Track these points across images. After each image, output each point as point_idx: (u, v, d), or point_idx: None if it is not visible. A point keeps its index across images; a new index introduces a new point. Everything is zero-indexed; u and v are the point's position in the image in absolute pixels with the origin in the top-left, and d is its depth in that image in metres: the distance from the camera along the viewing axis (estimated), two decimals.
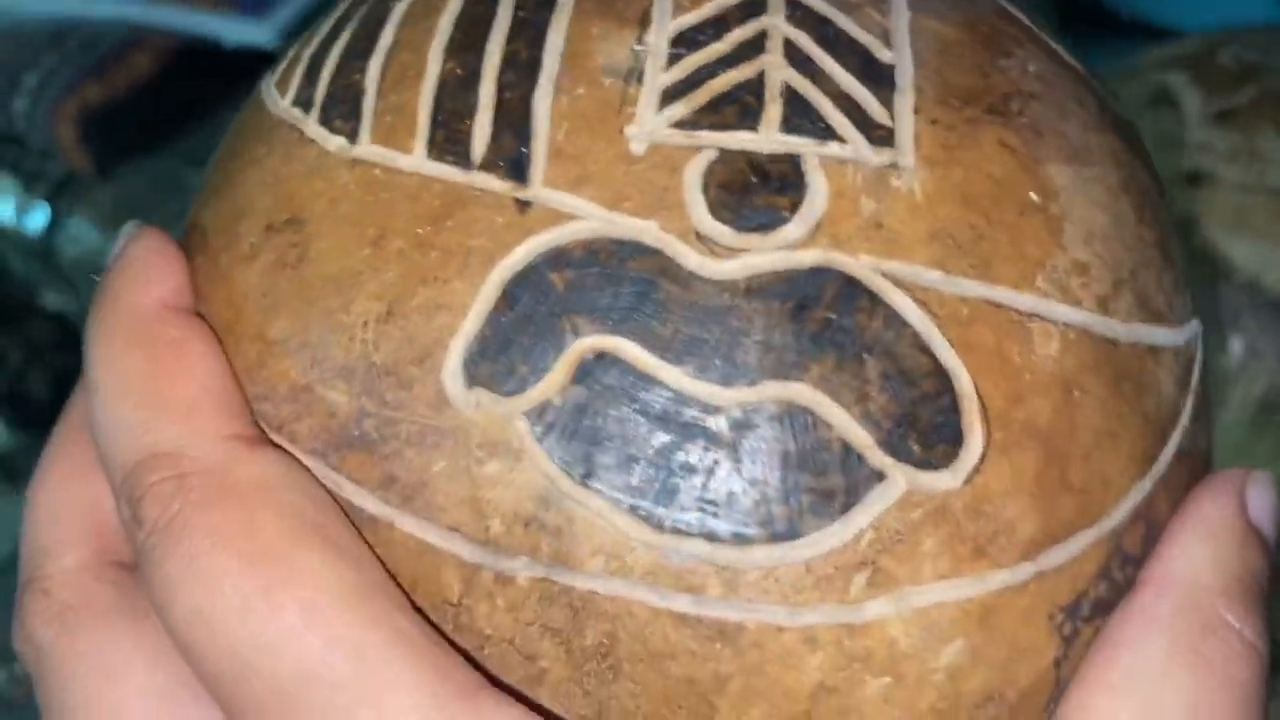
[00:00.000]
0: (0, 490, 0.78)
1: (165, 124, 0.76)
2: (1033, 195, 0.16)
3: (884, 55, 0.16)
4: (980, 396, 0.15)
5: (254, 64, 0.78)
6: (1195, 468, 0.18)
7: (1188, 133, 0.43)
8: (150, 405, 0.16)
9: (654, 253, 0.15)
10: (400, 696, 0.14)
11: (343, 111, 0.17)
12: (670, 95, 0.16)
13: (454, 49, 0.17)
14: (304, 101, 0.18)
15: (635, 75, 0.16)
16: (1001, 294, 0.15)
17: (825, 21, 0.16)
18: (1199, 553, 0.17)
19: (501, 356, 0.15)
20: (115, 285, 0.18)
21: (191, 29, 0.73)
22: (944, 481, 0.15)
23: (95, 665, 0.16)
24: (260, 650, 0.15)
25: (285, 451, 0.16)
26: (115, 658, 0.16)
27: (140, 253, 0.18)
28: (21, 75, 0.73)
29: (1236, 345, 0.41)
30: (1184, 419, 0.17)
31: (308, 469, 0.16)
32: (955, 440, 0.15)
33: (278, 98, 0.18)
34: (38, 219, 0.76)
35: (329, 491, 0.16)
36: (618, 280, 0.15)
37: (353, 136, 0.17)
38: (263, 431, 0.17)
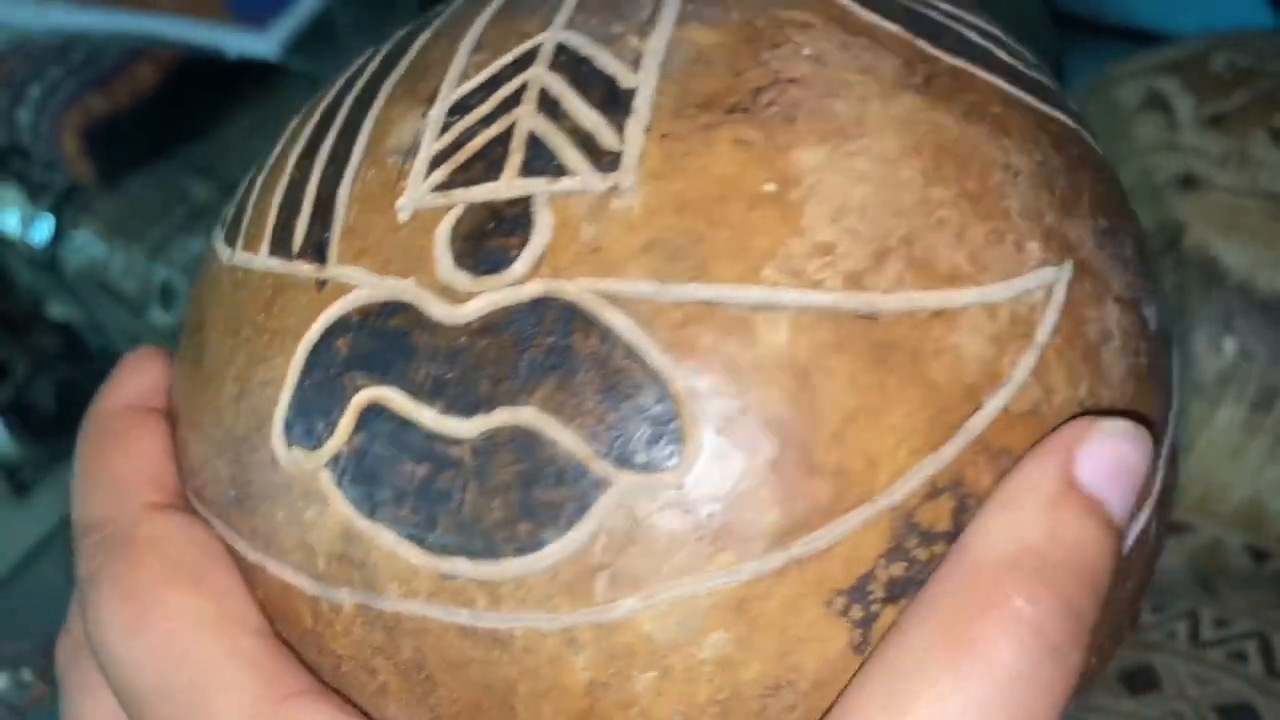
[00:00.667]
0: (6, 500, 0.78)
1: (168, 135, 0.76)
2: (767, 186, 0.16)
3: (628, 81, 0.17)
4: (700, 396, 0.16)
5: (256, 75, 0.79)
6: (1051, 425, 0.17)
7: (1180, 137, 0.43)
8: (91, 485, 0.20)
9: (408, 308, 0.17)
10: (228, 698, 0.17)
11: (232, 226, 0.20)
12: (435, 162, 0.17)
13: (303, 154, 0.19)
14: (221, 220, 0.21)
15: (413, 151, 0.17)
16: (719, 292, 0.16)
17: (582, 61, 0.17)
18: (994, 523, 0.16)
19: (306, 418, 0.17)
20: (99, 394, 0.22)
21: (194, 41, 0.74)
22: (668, 481, 0.16)
23: (81, 690, 0.20)
24: (135, 669, 0.18)
25: (194, 514, 0.19)
26: (90, 693, 0.20)
27: (123, 364, 0.22)
28: (26, 87, 0.74)
29: (1229, 347, 0.41)
30: (1017, 375, 0.16)
31: (209, 526, 0.19)
32: (676, 441, 0.16)
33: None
34: (42, 230, 0.77)
35: (225, 543, 0.19)
36: (381, 337, 0.17)
37: (232, 245, 0.19)
38: (186, 499, 0.20)
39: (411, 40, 0.19)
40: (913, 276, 0.16)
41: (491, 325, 0.16)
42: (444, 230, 0.17)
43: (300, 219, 0.18)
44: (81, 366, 0.86)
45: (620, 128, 0.17)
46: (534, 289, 0.16)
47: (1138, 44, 0.51)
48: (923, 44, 0.18)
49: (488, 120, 0.17)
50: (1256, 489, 0.43)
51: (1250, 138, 0.42)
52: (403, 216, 0.17)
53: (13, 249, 0.78)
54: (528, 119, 0.17)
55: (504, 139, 0.17)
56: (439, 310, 0.16)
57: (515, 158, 0.17)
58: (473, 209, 0.17)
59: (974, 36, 0.19)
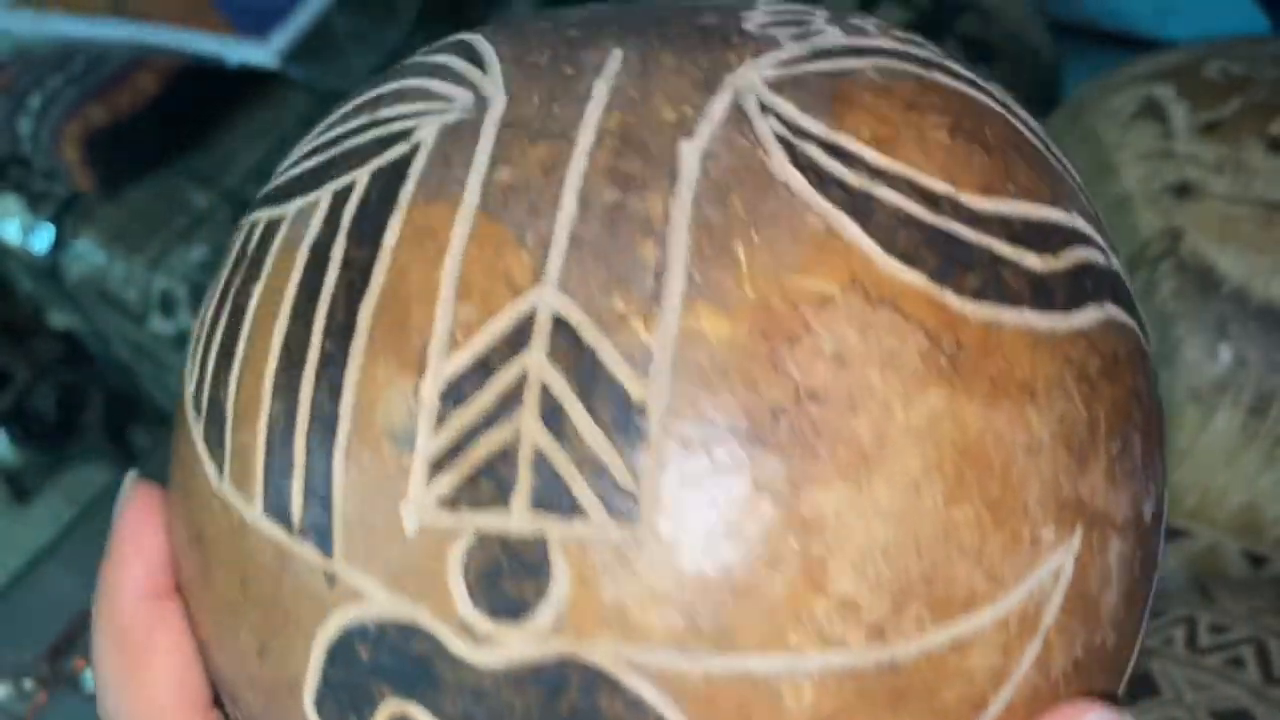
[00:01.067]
0: (7, 507, 0.78)
1: (168, 144, 0.76)
2: (791, 542, 0.16)
3: (637, 391, 0.16)
4: None
5: (256, 85, 0.79)
6: (1047, 700, 0.17)
7: (1175, 144, 0.44)
8: (121, 698, 0.20)
9: (429, 637, 0.16)
10: None
11: (214, 435, 0.19)
12: (437, 465, 0.16)
13: (279, 384, 0.18)
14: (195, 402, 0.20)
15: (409, 439, 0.16)
16: (745, 661, 0.15)
17: (584, 353, 0.16)
18: None
19: (337, 704, 0.17)
20: (105, 576, 0.21)
21: (193, 50, 0.74)
22: None
23: None
24: None
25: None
26: None
27: (121, 537, 0.21)
28: (26, 97, 0.74)
29: (1225, 354, 0.42)
30: (1022, 668, 0.16)
31: None
32: None
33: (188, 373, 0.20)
34: (43, 239, 0.77)
35: None
36: (404, 658, 0.16)
37: (220, 470, 0.18)
38: (215, 708, 0.20)
39: (371, 237, 0.18)
40: (931, 615, 0.16)
41: (518, 677, 0.16)
42: (455, 560, 0.16)
43: (294, 485, 0.17)
44: (82, 374, 0.86)
45: (634, 464, 0.15)
46: (558, 646, 0.16)
47: (1134, 51, 0.51)
48: (949, 298, 0.17)
49: (489, 421, 0.16)
50: (1253, 494, 0.43)
51: (1245, 145, 0.42)
52: (409, 528, 0.16)
53: (14, 258, 0.78)
54: (532, 432, 0.16)
55: (510, 455, 0.16)
56: (461, 648, 0.16)
57: (524, 484, 0.16)
58: (485, 539, 0.16)
59: (1004, 247, 0.17)
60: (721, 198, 0.16)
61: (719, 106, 0.17)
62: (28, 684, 0.50)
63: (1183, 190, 0.43)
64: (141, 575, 0.20)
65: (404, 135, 0.18)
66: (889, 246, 0.17)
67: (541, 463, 0.16)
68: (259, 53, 0.73)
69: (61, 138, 0.72)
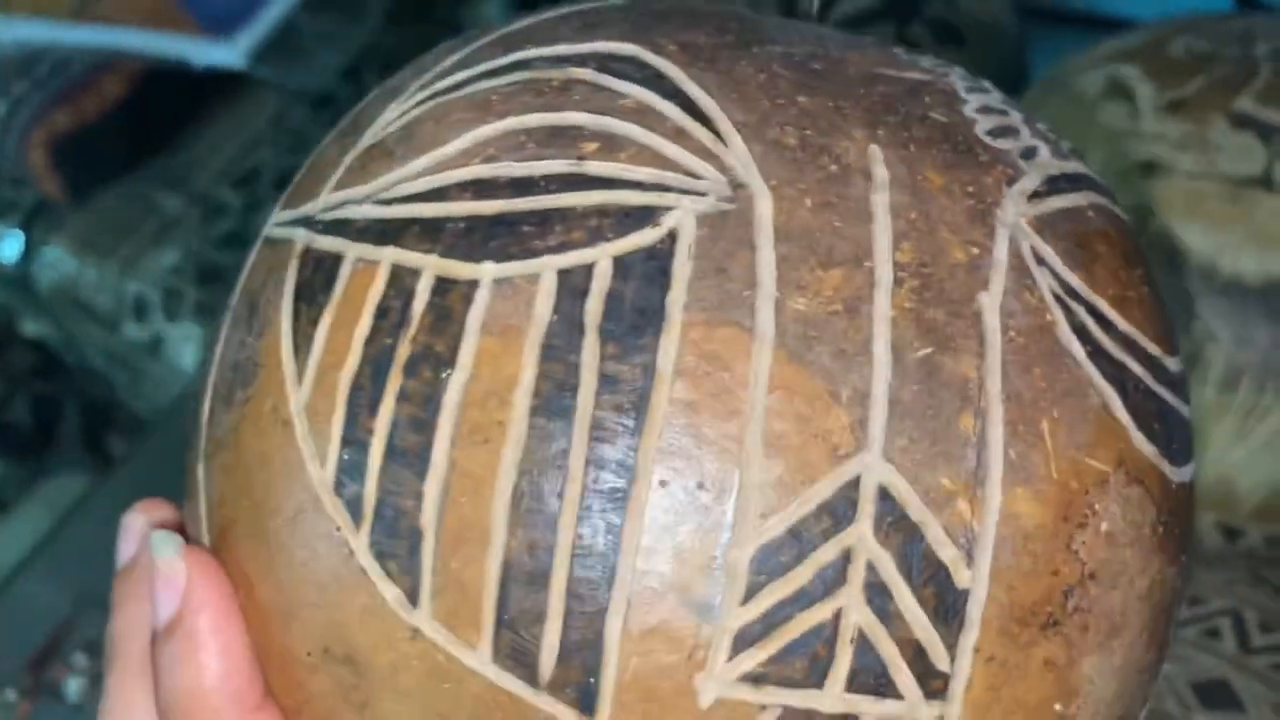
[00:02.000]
0: None
1: (137, 148, 0.76)
2: (1057, 707, 0.17)
3: (962, 580, 0.15)
4: None
5: (224, 86, 0.78)
6: None
7: (1142, 123, 0.44)
8: None
9: None
10: None
11: (398, 551, 0.16)
12: (743, 640, 0.15)
13: (518, 508, 0.15)
14: (347, 496, 0.16)
15: (710, 611, 0.15)
16: None
17: (912, 532, 0.15)
18: None
19: None
20: (181, 680, 0.18)
21: (159, 52, 0.74)
22: None
23: None
24: None
25: None
26: None
27: (196, 627, 0.18)
28: None
29: (1195, 329, 0.42)
30: None
31: None
32: None
33: (306, 430, 0.16)
34: (12, 247, 0.76)
35: None
36: None
37: (412, 598, 0.16)
38: None
39: (645, 350, 0.15)
40: None
41: None
42: None
43: (546, 636, 0.15)
44: (57, 383, 0.86)
45: (953, 646, 0.15)
46: None
47: (1100, 32, 0.52)
48: (1167, 468, 0.17)
49: (806, 599, 0.15)
50: (1225, 468, 0.44)
51: (1209, 122, 0.42)
52: (704, 701, 0.15)
53: None
54: (857, 611, 0.15)
55: (827, 633, 0.15)
56: None
57: (842, 666, 0.15)
58: (791, 713, 0.15)
59: (1183, 407, 0.18)
60: (1027, 368, 0.16)
61: (1002, 251, 0.16)
62: (10, 695, 0.50)
63: (1149, 169, 0.43)
64: (231, 684, 0.18)
65: (649, 214, 0.15)
66: (1139, 422, 0.17)
67: (863, 643, 0.15)
68: (226, 54, 0.73)
69: (28, 144, 0.72)
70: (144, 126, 0.76)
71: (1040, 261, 0.17)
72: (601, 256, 0.15)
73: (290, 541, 0.17)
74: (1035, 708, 0.16)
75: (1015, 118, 0.19)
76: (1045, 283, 0.17)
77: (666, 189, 0.16)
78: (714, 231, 0.15)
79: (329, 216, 0.17)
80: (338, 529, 0.16)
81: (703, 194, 0.16)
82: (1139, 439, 0.17)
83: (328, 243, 0.17)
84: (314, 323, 0.16)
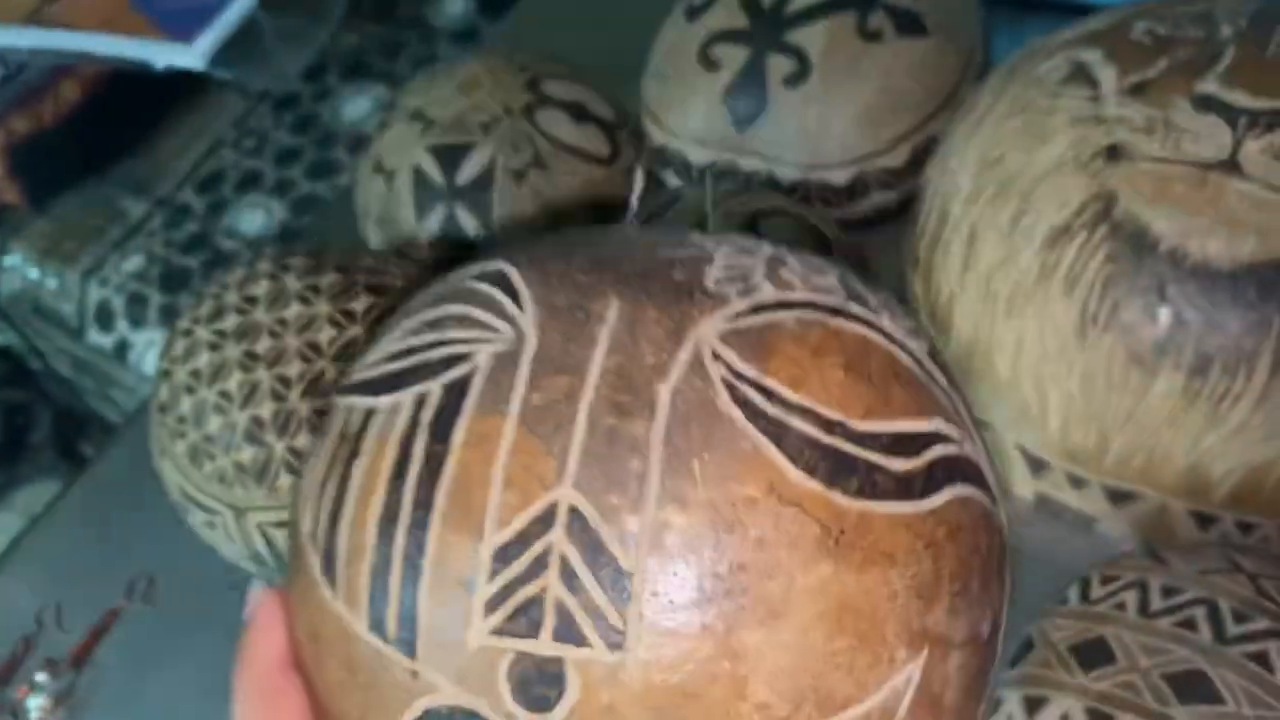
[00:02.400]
0: None
1: (97, 153, 0.75)
2: (725, 665, 0.23)
3: (627, 564, 0.23)
4: None
5: (184, 88, 0.77)
6: None
7: (1105, 108, 0.43)
8: None
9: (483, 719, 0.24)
10: None
11: (328, 567, 0.26)
12: (490, 606, 0.23)
13: (380, 539, 0.25)
14: (313, 539, 0.27)
15: (472, 587, 0.24)
16: None
17: (592, 534, 0.23)
18: None
19: None
20: (251, 644, 0.28)
21: (118, 55, 0.73)
22: None
23: None
24: None
25: None
26: None
27: (263, 616, 0.28)
28: None
29: (1164, 315, 0.41)
30: None
31: None
32: None
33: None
34: None
35: None
36: None
37: (334, 592, 0.26)
38: None
39: (442, 438, 0.25)
40: (818, 712, 0.24)
41: None
42: (502, 670, 0.23)
43: (390, 612, 0.24)
44: (29, 391, 0.85)
45: (624, 612, 0.23)
46: None
47: (1062, 17, 0.51)
48: (836, 497, 0.24)
49: (525, 578, 0.23)
50: (1197, 455, 0.43)
51: (1173, 105, 0.41)
52: (471, 646, 0.24)
53: None
54: (555, 587, 0.23)
55: (540, 601, 0.23)
56: None
57: (549, 623, 0.23)
58: (522, 657, 0.23)
59: (877, 457, 0.25)
60: (686, 427, 0.24)
61: (684, 356, 0.24)
62: None
63: (1114, 153, 0.42)
64: (276, 647, 0.28)
65: (465, 358, 0.26)
66: (796, 462, 0.24)
67: (561, 609, 0.23)
68: (185, 55, 0.72)
69: None
70: (105, 131, 0.76)
71: (717, 358, 0.25)
72: (436, 386, 0.26)
73: (300, 571, 0.28)
74: (704, 660, 0.23)
75: (759, 271, 0.27)
76: (718, 373, 0.24)
77: (480, 341, 0.26)
78: (499, 361, 0.25)
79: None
80: (309, 560, 0.27)
81: (497, 341, 0.26)
82: (796, 474, 0.24)
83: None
84: (325, 447, 0.28)
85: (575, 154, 0.59)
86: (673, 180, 0.65)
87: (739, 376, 0.24)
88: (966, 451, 0.27)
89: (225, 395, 0.45)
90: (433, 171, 0.58)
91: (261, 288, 0.47)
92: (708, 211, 0.52)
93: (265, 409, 0.45)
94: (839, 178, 0.60)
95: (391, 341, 0.28)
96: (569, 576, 0.23)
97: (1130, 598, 0.41)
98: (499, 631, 0.23)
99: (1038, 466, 0.48)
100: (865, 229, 0.62)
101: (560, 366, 0.24)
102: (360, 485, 0.25)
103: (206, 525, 0.47)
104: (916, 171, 0.56)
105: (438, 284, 0.29)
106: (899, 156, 0.59)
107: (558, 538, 0.23)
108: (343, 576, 0.25)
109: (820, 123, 0.58)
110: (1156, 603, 0.40)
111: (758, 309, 0.25)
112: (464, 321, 0.26)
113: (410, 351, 0.27)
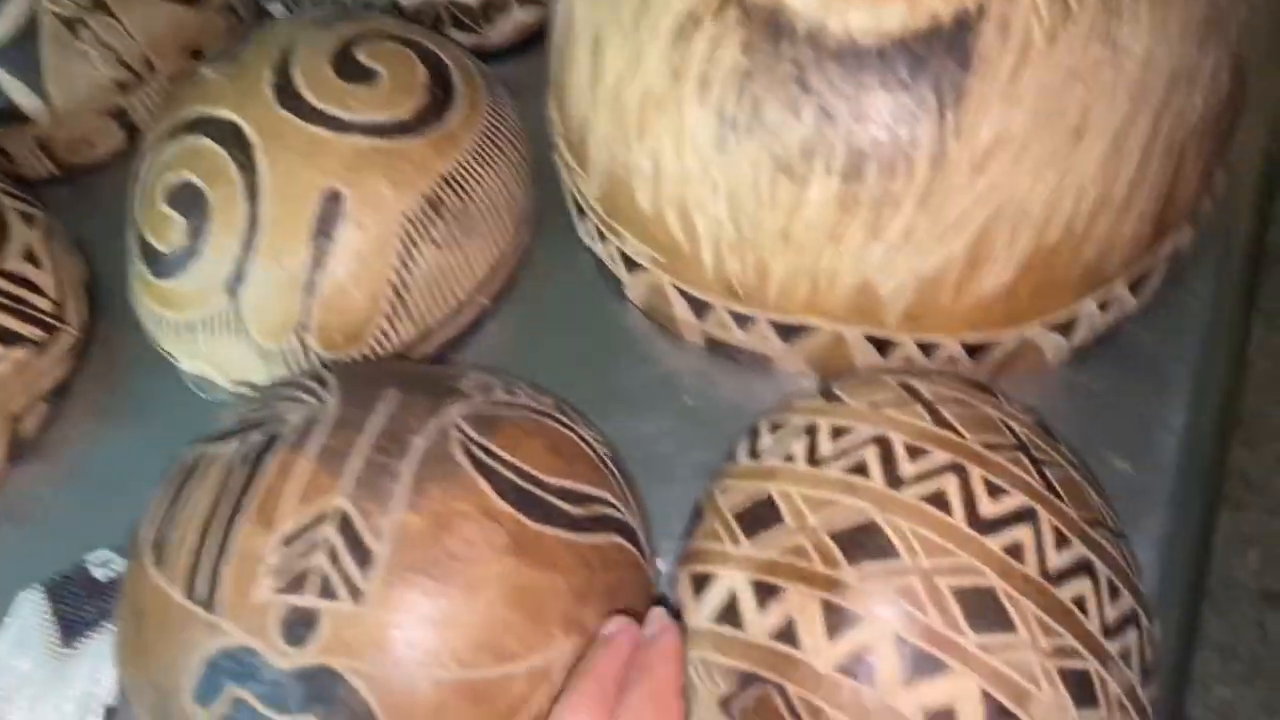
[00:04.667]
0: None
1: None
2: (435, 619, 0.33)
3: (375, 547, 0.33)
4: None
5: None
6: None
7: None
8: None
9: (256, 653, 0.32)
10: None
11: (156, 549, 0.36)
12: (274, 574, 0.33)
13: (202, 534, 0.34)
14: (154, 545, 0.36)
15: (262, 560, 0.33)
16: (410, 673, 0.33)
17: (351, 526, 0.33)
18: None
19: (201, 693, 0.33)
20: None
21: None
22: None
23: None
24: None
25: None
26: None
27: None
28: None
29: (807, 111, 0.35)
30: (538, 694, 0.34)
31: None
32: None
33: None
34: None
35: None
36: (243, 663, 0.33)
37: (159, 567, 0.35)
38: None
39: (258, 466, 0.35)
40: (491, 659, 0.33)
41: (298, 675, 0.32)
42: (275, 615, 0.32)
43: (201, 579, 0.33)
44: None
45: (369, 575, 0.33)
46: (319, 660, 0.32)
47: None
48: (525, 520, 0.34)
49: (301, 556, 0.33)
50: (863, 272, 0.37)
51: None
52: (255, 602, 0.33)
53: None
54: (321, 563, 0.33)
55: (309, 572, 0.33)
56: (272, 658, 0.32)
57: (314, 582, 0.33)
58: (291, 608, 0.32)
59: (558, 502, 0.36)
60: (427, 467, 0.34)
61: (435, 424, 0.36)
62: None
63: None
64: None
65: (283, 419, 0.36)
66: (501, 495, 0.35)
67: (324, 575, 0.33)
68: None
69: None
70: None
71: (459, 429, 0.36)
72: (259, 434, 0.36)
73: (136, 574, 0.38)
74: (420, 616, 0.33)
75: (498, 387, 0.39)
76: (457, 437, 0.35)
77: (298, 407, 0.37)
78: (307, 421, 0.36)
79: None
80: (143, 561, 0.36)
81: (309, 409, 0.37)
82: (499, 501, 0.34)
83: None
84: (174, 484, 0.38)
85: None
86: (278, 9, 0.54)
87: (471, 440, 0.35)
88: (626, 519, 0.38)
89: None
90: None
91: None
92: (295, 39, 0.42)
93: None
94: None
95: (241, 412, 0.38)
96: (332, 555, 0.33)
97: (799, 446, 0.35)
98: (278, 591, 0.32)
99: (700, 308, 0.42)
100: (512, 58, 0.53)
101: (349, 425, 0.35)
102: (192, 498, 0.35)
103: None
104: None
105: (265, 388, 0.42)
106: None
107: (329, 530, 0.33)
108: (169, 559, 0.34)
109: None
110: (825, 448, 0.34)
111: (494, 404, 0.38)
112: (287, 398, 0.37)
113: (243, 420, 0.37)
